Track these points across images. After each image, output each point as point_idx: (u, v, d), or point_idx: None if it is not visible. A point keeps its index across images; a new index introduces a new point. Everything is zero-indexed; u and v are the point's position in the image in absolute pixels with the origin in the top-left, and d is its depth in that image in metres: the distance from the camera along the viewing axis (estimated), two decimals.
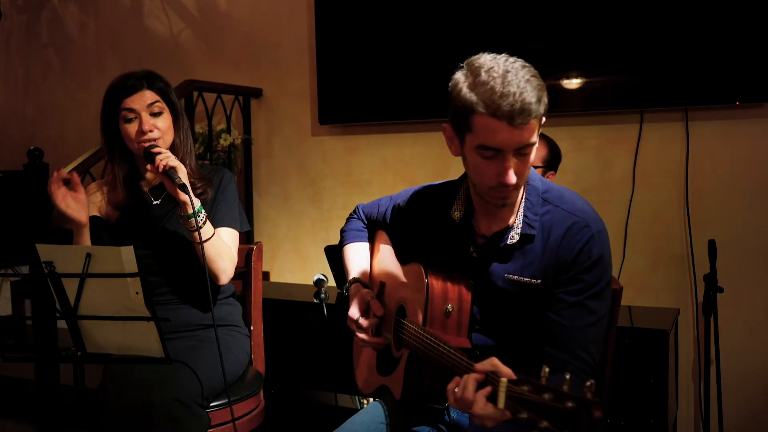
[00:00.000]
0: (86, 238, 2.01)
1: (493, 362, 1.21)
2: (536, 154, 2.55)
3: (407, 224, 1.72)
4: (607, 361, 1.61)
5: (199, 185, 2.07)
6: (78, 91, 4.57)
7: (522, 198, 1.51)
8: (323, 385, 3.24)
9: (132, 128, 2.00)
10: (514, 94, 1.32)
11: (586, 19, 2.99)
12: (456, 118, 1.42)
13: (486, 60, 1.38)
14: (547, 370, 1.09)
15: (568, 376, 1.05)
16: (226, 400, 1.97)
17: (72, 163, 3.24)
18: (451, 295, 1.51)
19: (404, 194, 1.76)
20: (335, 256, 3.16)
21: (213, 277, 2.02)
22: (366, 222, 1.89)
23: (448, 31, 3.25)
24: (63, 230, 2.27)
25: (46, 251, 1.64)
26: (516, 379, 1.11)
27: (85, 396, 1.79)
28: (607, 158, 3.08)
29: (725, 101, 2.81)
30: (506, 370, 1.18)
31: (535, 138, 1.39)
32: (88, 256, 1.60)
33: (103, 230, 2.10)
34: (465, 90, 1.37)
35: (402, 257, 1.71)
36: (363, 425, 1.62)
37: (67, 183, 1.95)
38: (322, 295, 3.10)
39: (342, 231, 1.93)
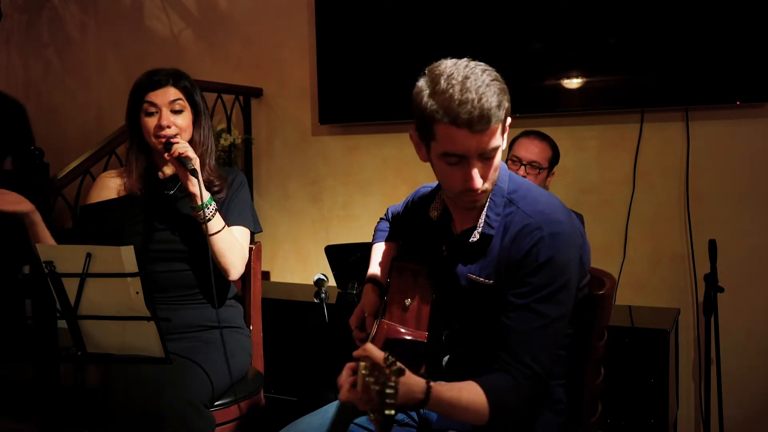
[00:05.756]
0: (42, 227, 2.02)
1: (365, 347, 1.18)
2: (542, 155, 2.59)
3: (405, 223, 1.78)
4: (584, 366, 1.56)
5: (217, 183, 2.11)
6: (78, 91, 4.57)
7: (487, 198, 1.51)
8: (323, 385, 3.24)
9: (151, 122, 2.03)
10: (473, 101, 1.33)
11: (586, 19, 2.99)
12: (420, 127, 1.45)
13: (446, 66, 1.40)
14: (385, 355, 1.08)
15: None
16: (230, 399, 2.00)
17: (72, 163, 3.24)
18: (411, 289, 1.54)
19: (413, 194, 1.81)
20: (340, 255, 3.18)
21: (223, 272, 2.04)
22: (390, 222, 1.94)
23: (448, 30, 3.25)
24: (63, 230, 2.27)
25: (46, 251, 1.64)
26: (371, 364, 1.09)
27: (85, 396, 1.79)
28: (607, 158, 3.08)
29: (726, 101, 2.80)
30: (374, 354, 1.14)
31: (497, 142, 1.39)
32: (89, 255, 1.61)
33: (121, 209, 2.11)
34: (426, 98, 1.39)
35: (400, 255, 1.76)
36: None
37: None
38: (322, 295, 3.10)
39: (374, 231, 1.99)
